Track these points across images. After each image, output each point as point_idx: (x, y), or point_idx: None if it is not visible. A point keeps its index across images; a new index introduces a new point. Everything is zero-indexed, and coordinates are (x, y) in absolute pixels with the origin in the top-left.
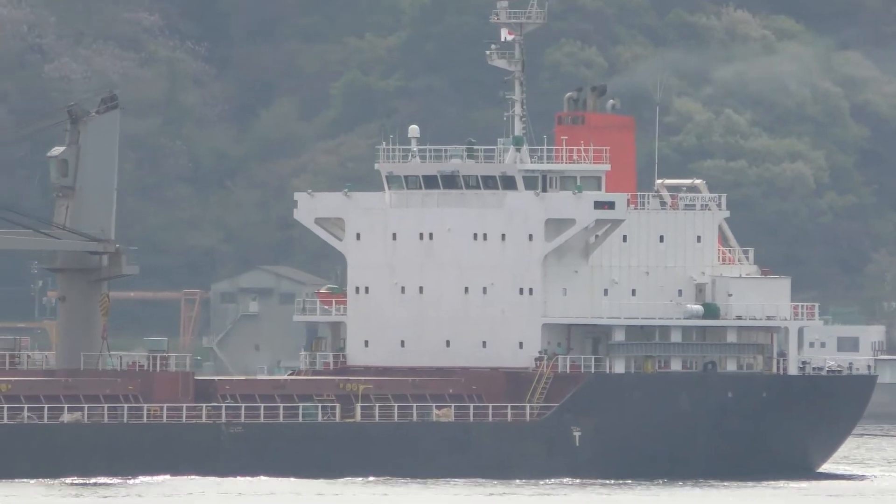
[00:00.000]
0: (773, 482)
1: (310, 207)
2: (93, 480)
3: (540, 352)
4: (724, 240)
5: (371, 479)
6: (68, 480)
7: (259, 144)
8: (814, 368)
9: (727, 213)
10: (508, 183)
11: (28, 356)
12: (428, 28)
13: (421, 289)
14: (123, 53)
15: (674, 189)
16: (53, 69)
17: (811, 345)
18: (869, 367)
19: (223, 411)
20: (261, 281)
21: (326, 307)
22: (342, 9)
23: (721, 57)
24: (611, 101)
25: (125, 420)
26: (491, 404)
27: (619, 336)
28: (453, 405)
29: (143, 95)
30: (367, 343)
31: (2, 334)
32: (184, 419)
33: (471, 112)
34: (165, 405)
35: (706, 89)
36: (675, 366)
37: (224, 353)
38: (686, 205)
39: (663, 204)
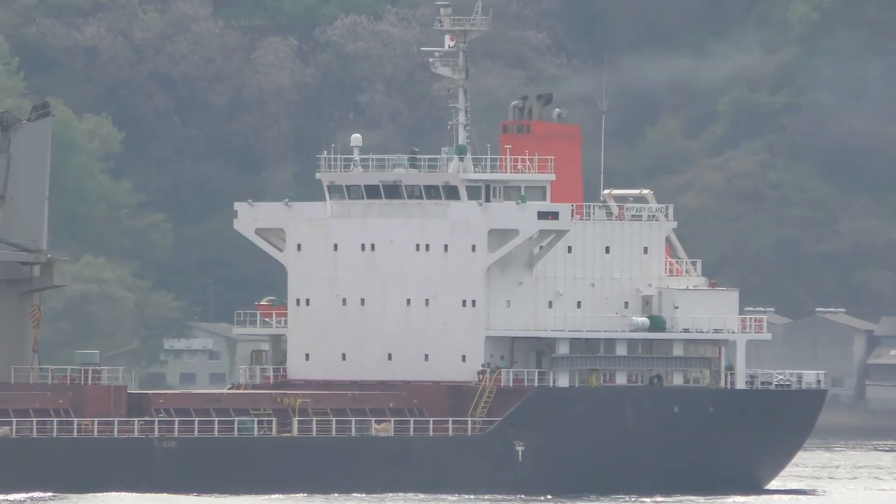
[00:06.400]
0: (720, 498)
1: (250, 218)
2: (21, 496)
3: (483, 365)
4: (672, 251)
5: (306, 495)
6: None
7: (645, 161)
8: (762, 383)
9: (675, 224)
10: (451, 192)
11: None
12: (817, 43)
13: (363, 301)
14: (510, 72)
15: (621, 199)
16: (441, 87)
17: None
18: (819, 381)
19: (156, 426)
20: None
21: (267, 319)
22: (731, 25)
23: None
24: (557, 109)
25: (54, 434)
26: (432, 418)
27: (563, 349)
28: (393, 419)
29: None
30: (307, 356)
31: None
32: (115, 434)
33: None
34: (97, 419)
35: None
36: (621, 379)
37: None
38: (633, 215)
39: (609, 214)
